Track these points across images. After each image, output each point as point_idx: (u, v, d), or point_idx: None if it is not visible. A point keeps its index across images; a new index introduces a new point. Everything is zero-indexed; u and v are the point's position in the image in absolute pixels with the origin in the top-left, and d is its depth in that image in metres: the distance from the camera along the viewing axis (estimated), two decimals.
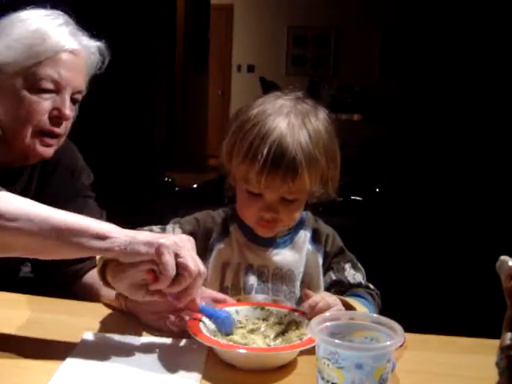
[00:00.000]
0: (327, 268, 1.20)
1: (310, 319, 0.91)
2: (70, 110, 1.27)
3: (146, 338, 1.03)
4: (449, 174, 5.59)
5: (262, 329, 1.03)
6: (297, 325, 1.02)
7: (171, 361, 0.95)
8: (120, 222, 0.98)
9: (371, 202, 1.51)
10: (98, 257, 1.01)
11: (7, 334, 1.02)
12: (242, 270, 1.16)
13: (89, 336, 1.02)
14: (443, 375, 0.96)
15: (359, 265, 1.21)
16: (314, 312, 0.98)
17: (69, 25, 1.29)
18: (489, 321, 0.93)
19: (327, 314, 0.86)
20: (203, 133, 7.35)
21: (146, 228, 1.12)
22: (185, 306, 0.98)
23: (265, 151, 1.04)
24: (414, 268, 3.64)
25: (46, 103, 1.25)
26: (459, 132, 6.04)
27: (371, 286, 1.18)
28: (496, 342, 0.75)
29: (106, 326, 1.08)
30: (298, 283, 1.16)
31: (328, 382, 0.77)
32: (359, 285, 1.17)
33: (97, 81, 1.36)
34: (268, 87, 6.51)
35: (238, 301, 1.12)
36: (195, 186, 1.53)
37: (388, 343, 0.77)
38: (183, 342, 1.01)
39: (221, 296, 1.09)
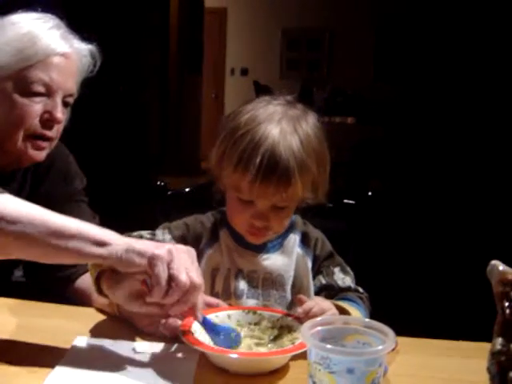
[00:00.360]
0: (316, 272, 1.19)
1: (303, 324, 0.91)
2: (61, 114, 1.26)
3: (139, 343, 1.02)
4: (442, 177, 5.60)
5: (255, 333, 1.03)
6: (289, 329, 1.02)
7: (163, 365, 0.95)
8: (113, 226, 0.98)
9: (364, 206, 1.51)
10: (89, 264, 1.00)
11: None
12: (232, 275, 1.15)
13: (81, 341, 1.02)
14: (435, 378, 0.96)
15: (348, 268, 1.21)
16: (307, 317, 0.97)
17: (60, 28, 1.28)
18: (481, 324, 0.93)
19: (319, 318, 0.86)
20: (197, 136, 7.35)
21: (135, 233, 1.11)
22: (183, 315, 0.96)
23: (257, 160, 1.02)
24: (406, 271, 3.65)
25: (37, 106, 1.24)
26: (453, 136, 6.07)
27: (360, 290, 1.18)
28: (489, 346, 0.75)
29: (98, 330, 1.08)
30: (288, 287, 1.16)
31: None
32: (349, 288, 1.17)
33: (90, 84, 1.36)
34: (261, 91, 6.51)
35: (230, 305, 1.12)
36: (187, 190, 1.52)
37: (380, 348, 0.76)
38: (175, 347, 1.00)
39: (214, 301, 1.08)
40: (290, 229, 1.20)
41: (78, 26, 1.33)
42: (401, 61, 7.45)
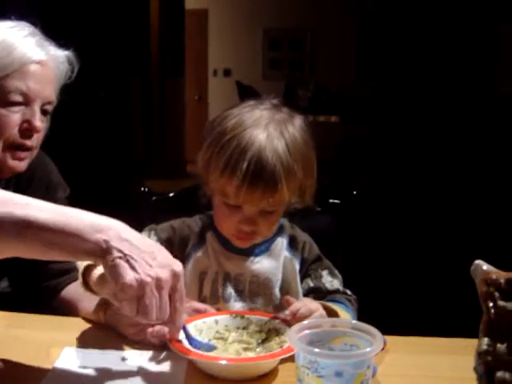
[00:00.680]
0: (304, 275, 1.19)
1: (291, 326, 0.90)
2: (40, 122, 1.25)
3: (127, 352, 1.01)
4: (428, 174, 5.63)
5: (243, 338, 1.02)
6: (277, 332, 1.02)
7: (153, 374, 0.94)
8: None
9: (350, 205, 1.51)
10: (79, 263, 0.98)
11: None
12: (219, 278, 1.15)
13: (69, 352, 1.01)
14: (425, 377, 0.96)
15: (336, 272, 1.21)
16: (295, 318, 0.97)
17: (35, 35, 1.26)
18: (468, 321, 0.94)
19: (306, 321, 0.86)
20: (181, 138, 7.33)
21: None
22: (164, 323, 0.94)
23: (244, 166, 1.02)
24: (392, 270, 3.67)
25: (15, 116, 1.22)
26: (438, 132, 6.11)
27: (348, 292, 1.18)
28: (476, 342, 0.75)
29: (85, 340, 1.07)
30: (276, 290, 1.16)
31: None
32: (337, 291, 1.17)
33: (69, 90, 1.34)
34: (245, 91, 6.52)
35: (218, 310, 1.11)
36: (172, 194, 1.51)
37: (367, 350, 0.76)
38: (164, 355, 1.00)
39: (202, 306, 1.07)
40: (278, 232, 1.19)
41: (55, 30, 1.31)
42: (383, 59, 7.49)
